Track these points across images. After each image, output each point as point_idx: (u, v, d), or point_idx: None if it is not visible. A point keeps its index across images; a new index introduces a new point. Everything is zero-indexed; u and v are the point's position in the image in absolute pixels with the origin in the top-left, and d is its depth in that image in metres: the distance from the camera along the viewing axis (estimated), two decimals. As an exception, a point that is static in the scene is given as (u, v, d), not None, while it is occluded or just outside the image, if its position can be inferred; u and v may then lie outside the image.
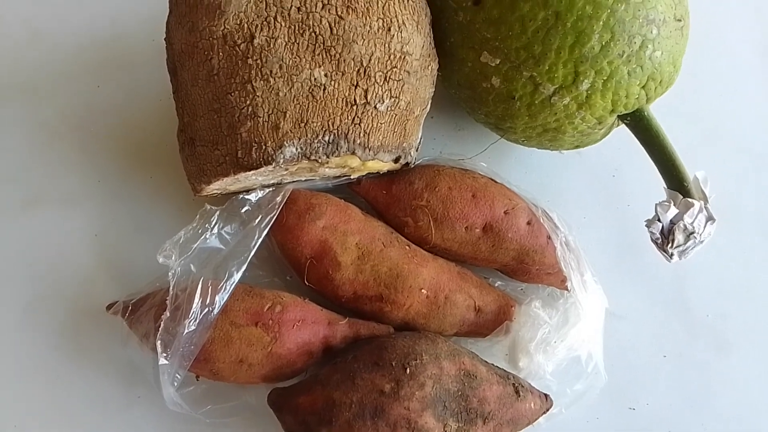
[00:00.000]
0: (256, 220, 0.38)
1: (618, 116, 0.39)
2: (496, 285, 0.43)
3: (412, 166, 0.40)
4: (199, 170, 0.35)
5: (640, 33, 0.35)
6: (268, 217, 0.38)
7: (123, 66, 0.47)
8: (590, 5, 0.34)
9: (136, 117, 0.46)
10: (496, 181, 0.42)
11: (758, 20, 0.52)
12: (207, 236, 0.38)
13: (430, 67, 0.37)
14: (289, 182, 0.39)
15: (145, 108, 0.46)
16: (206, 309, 0.36)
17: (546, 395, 0.39)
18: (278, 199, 0.38)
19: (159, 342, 0.35)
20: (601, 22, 0.34)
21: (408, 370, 0.34)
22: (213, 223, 0.38)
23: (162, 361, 0.35)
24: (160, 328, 0.35)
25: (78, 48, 0.48)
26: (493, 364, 0.38)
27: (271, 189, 0.39)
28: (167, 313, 0.35)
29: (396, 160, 0.37)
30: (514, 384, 0.37)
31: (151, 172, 0.45)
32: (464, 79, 0.39)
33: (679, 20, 0.37)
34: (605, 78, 0.36)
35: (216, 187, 0.36)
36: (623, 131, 0.40)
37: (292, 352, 0.37)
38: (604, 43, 0.35)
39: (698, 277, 0.46)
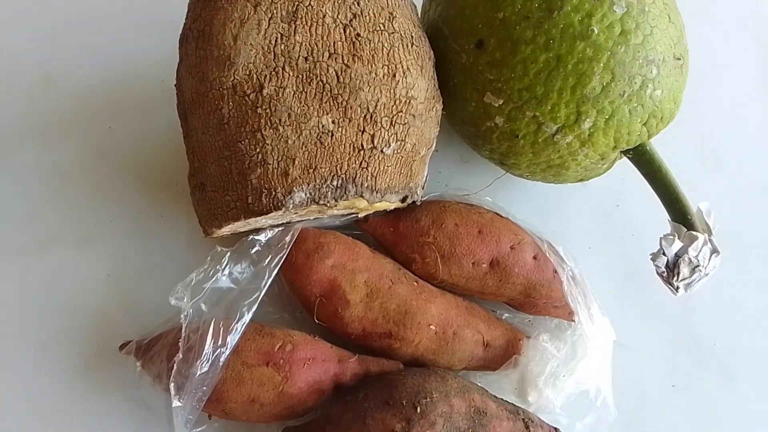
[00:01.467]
0: (266, 260, 0.38)
1: (620, 151, 0.39)
2: (504, 317, 0.43)
3: (419, 204, 0.41)
4: (210, 214, 0.36)
5: (640, 73, 0.36)
6: (278, 257, 0.39)
7: (133, 107, 0.48)
8: (590, 48, 0.35)
9: (146, 157, 0.47)
10: (501, 216, 0.42)
11: (758, 49, 0.53)
12: (218, 277, 0.38)
13: (434, 109, 0.38)
14: (298, 221, 0.40)
15: (156, 148, 0.47)
16: (218, 350, 0.36)
17: (556, 429, 0.39)
18: (287, 238, 0.39)
19: (172, 384, 0.35)
20: (601, 64, 0.35)
21: (418, 409, 0.35)
22: (224, 264, 0.38)
23: (176, 403, 0.35)
24: (173, 371, 0.36)
25: (89, 90, 0.49)
26: (502, 399, 0.39)
27: (280, 229, 0.39)
28: (180, 355, 0.36)
29: (403, 200, 0.38)
30: (524, 419, 0.38)
31: (162, 211, 0.46)
32: (468, 118, 0.40)
33: (679, 59, 0.37)
34: (607, 117, 0.36)
35: (227, 229, 0.37)
36: (627, 162, 0.41)
37: (303, 391, 0.37)
38: (605, 83, 0.35)
39: (705, 306, 0.46)
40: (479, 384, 0.39)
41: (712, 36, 0.53)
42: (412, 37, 0.35)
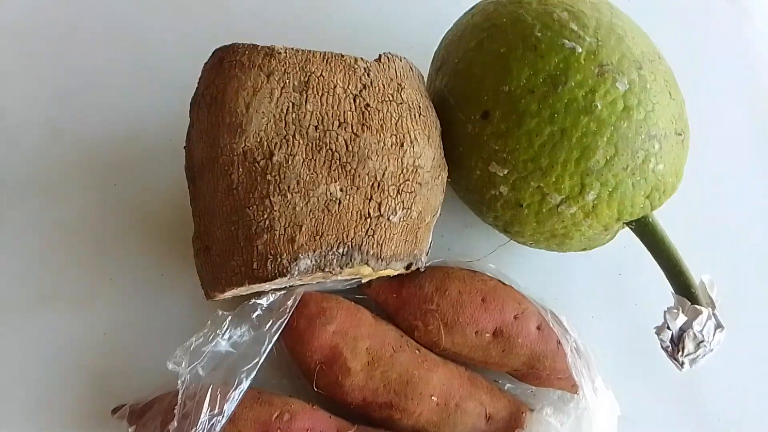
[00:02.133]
0: (267, 325, 0.38)
1: (624, 222, 0.40)
2: (506, 387, 0.42)
3: (422, 270, 0.40)
4: (213, 278, 0.35)
5: (643, 148, 0.36)
6: (279, 322, 0.38)
7: (139, 165, 0.48)
8: (594, 122, 0.36)
9: (149, 216, 0.47)
10: (504, 284, 0.42)
11: (752, 118, 0.54)
12: (218, 341, 0.38)
13: (440, 177, 0.38)
14: (300, 285, 0.40)
15: (160, 207, 0.47)
16: (214, 419, 0.35)
17: None
18: (289, 303, 0.38)
19: (166, 454, 0.34)
20: (605, 138, 0.36)
21: (420, 486, 0.34)
22: (224, 328, 0.38)
23: (168, 474, 0.34)
24: (167, 440, 0.34)
25: (96, 147, 0.49)
26: (505, 476, 0.38)
27: (282, 292, 0.39)
28: (175, 423, 0.35)
29: (407, 267, 0.38)
30: (527, 498, 0.36)
31: (162, 269, 0.45)
32: (473, 185, 0.40)
33: (680, 134, 0.38)
34: (611, 189, 0.37)
35: (229, 294, 0.36)
36: (629, 231, 0.41)
37: (301, 463, 0.36)
38: (608, 157, 0.36)
39: (710, 379, 0.45)
40: (481, 458, 0.38)
41: (708, 107, 0.54)
42: (419, 107, 0.36)
